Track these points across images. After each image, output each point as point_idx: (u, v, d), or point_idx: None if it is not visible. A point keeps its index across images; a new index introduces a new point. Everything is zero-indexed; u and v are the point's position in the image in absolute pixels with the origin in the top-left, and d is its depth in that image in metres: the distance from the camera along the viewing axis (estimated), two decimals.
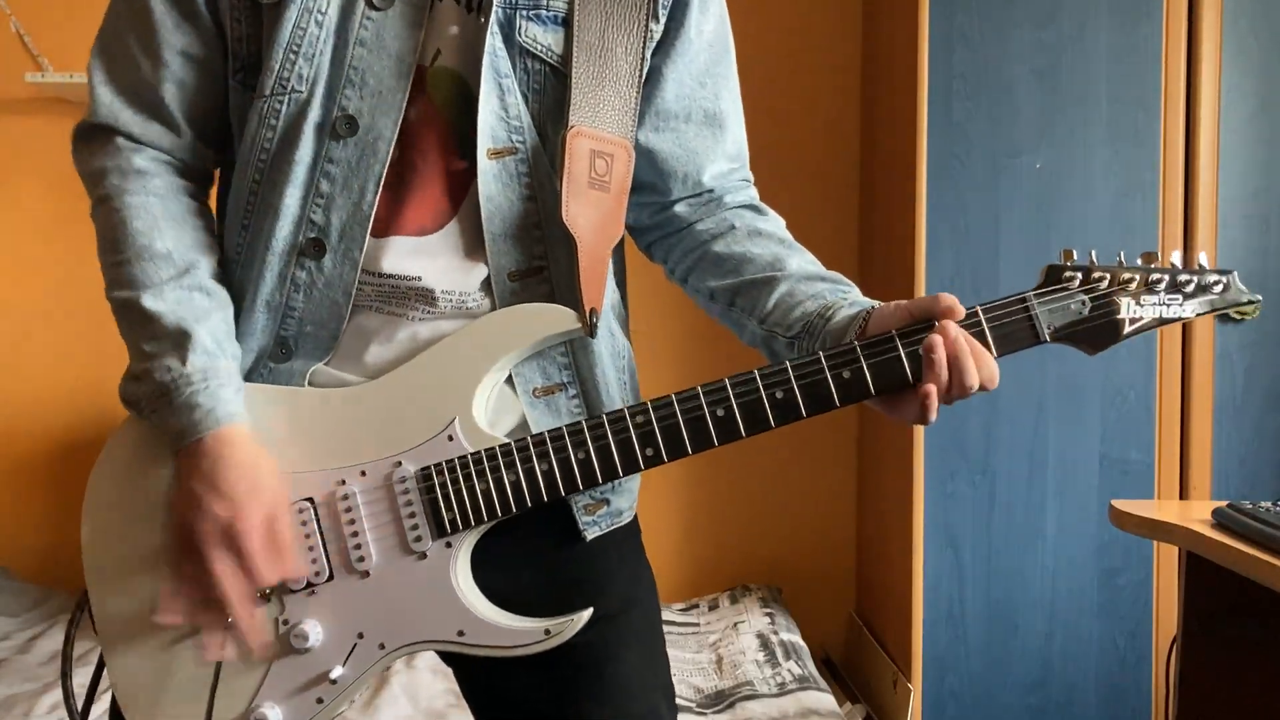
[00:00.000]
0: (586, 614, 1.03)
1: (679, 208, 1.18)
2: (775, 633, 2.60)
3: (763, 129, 3.02)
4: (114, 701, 1.06)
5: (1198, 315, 1.02)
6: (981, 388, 0.99)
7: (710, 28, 1.14)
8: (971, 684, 2.48)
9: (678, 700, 2.24)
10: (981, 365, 0.98)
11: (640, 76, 1.09)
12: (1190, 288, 1.02)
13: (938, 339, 0.97)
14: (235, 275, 1.05)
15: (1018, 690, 2.48)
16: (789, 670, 2.37)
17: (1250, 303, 1.03)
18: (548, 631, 1.02)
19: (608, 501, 1.12)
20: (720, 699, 2.29)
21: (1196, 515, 1.63)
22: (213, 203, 1.13)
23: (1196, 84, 2.40)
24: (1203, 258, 1.03)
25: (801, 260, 1.12)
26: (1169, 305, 1.02)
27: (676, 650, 2.57)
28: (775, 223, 1.18)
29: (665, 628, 2.88)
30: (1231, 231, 2.42)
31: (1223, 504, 1.57)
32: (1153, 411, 2.44)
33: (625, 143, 1.08)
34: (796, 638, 2.60)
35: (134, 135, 1.04)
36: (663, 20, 1.10)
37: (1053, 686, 2.47)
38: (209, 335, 1.00)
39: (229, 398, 0.99)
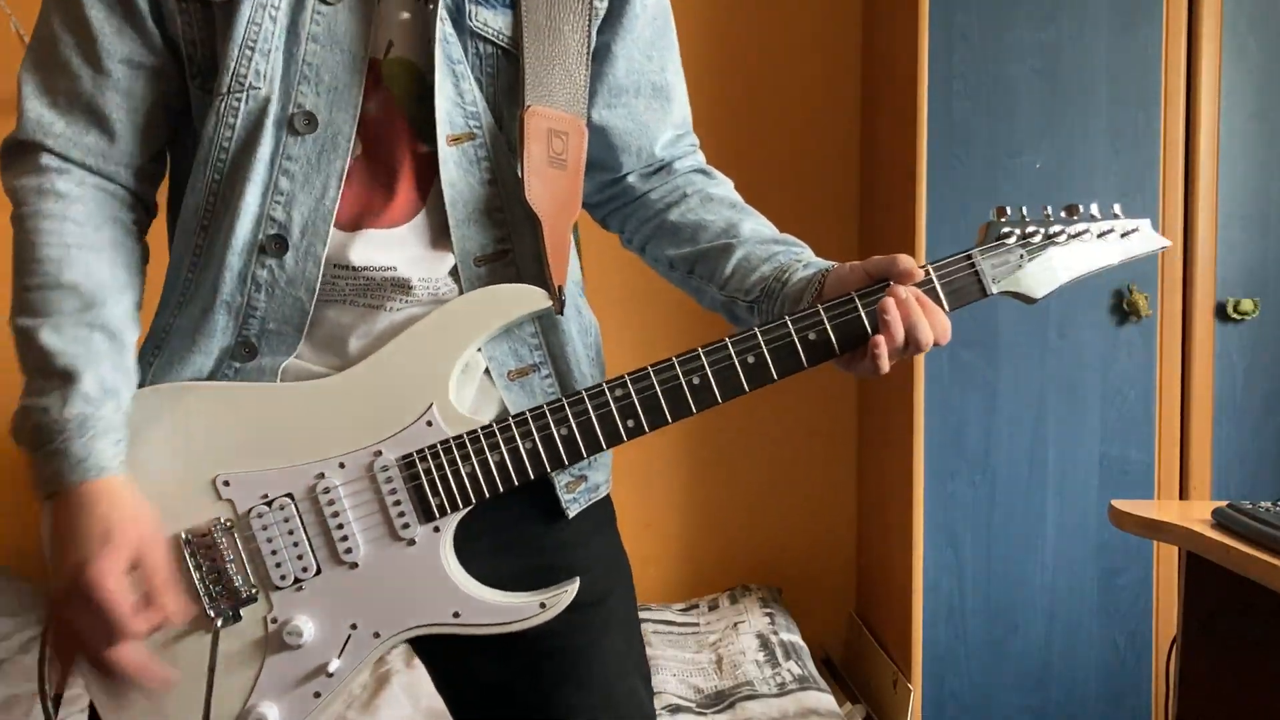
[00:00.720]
0: (576, 584, 1.04)
1: (631, 179, 1.20)
2: (775, 633, 2.60)
3: (763, 129, 3.04)
4: (91, 709, 1.04)
5: (1120, 262, 1.10)
6: (935, 343, 1.02)
7: (652, 1, 1.16)
8: (971, 684, 2.48)
9: (678, 701, 2.25)
10: (934, 322, 1.02)
11: (588, 54, 1.10)
12: (1110, 237, 1.09)
13: (890, 301, 1.01)
14: (193, 278, 1.04)
15: (1018, 690, 2.48)
16: (789, 670, 2.37)
17: (1162, 247, 1.11)
18: (543, 605, 1.03)
19: (585, 477, 1.13)
20: (720, 699, 2.29)
21: (1196, 515, 1.62)
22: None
23: (1196, 84, 2.40)
24: (1116, 207, 1.11)
25: (755, 224, 1.15)
26: (1094, 254, 1.09)
27: (676, 650, 2.57)
28: (725, 186, 1.21)
29: (665, 628, 2.89)
30: (1231, 231, 2.42)
31: (1223, 504, 1.57)
32: (1153, 411, 2.44)
33: (579, 121, 1.09)
34: (796, 638, 2.60)
35: (64, 153, 1.01)
36: None
37: (1053, 686, 2.48)
38: (95, 381, 0.97)
39: (103, 449, 0.96)
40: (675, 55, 1.20)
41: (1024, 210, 1.09)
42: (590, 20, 1.10)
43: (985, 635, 2.48)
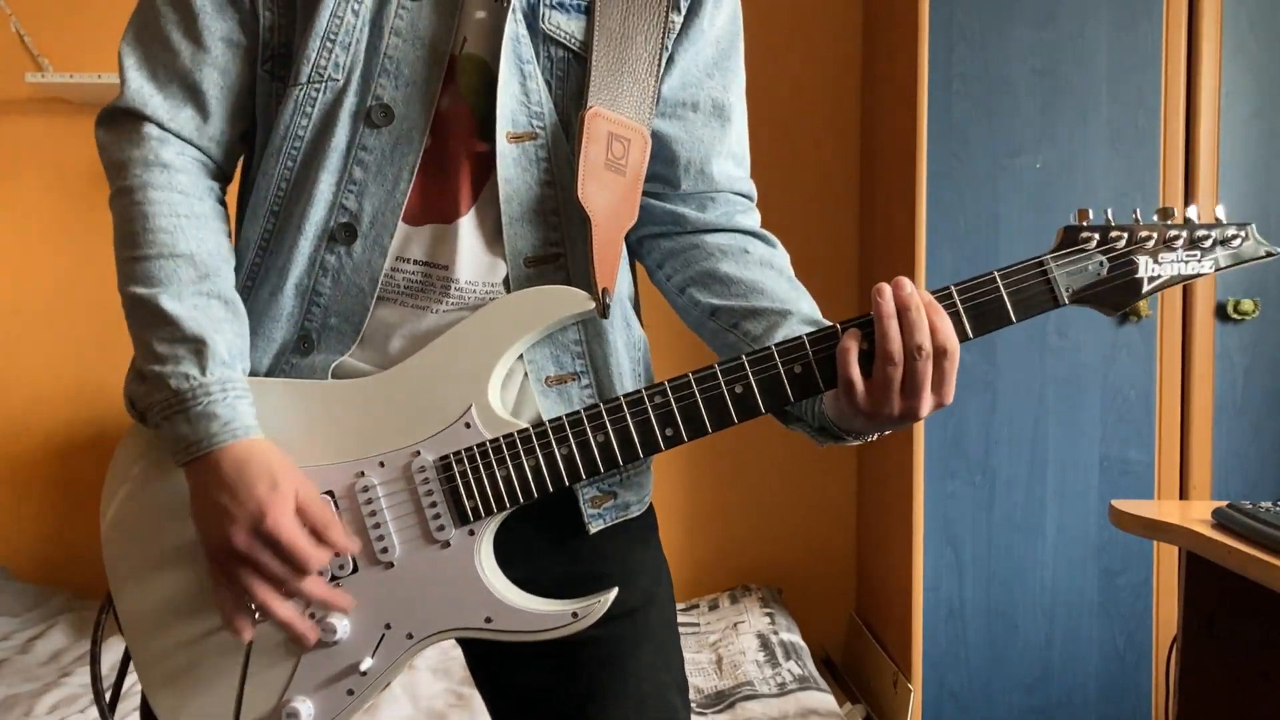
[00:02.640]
0: (612, 594, 1.03)
1: (686, 207, 1.16)
2: (775, 633, 2.60)
3: (763, 129, 3.03)
4: (144, 699, 1.06)
5: (1216, 270, 1.00)
6: (939, 350, 0.96)
7: (721, 22, 1.15)
8: (971, 684, 2.48)
9: None
10: (936, 321, 0.96)
11: (660, 65, 1.10)
12: (1208, 243, 1.00)
13: (883, 285, 0.97)
14: (261, 262, 1.05)
15: (1018, 690, 2.48)
16: (789, 670, 2.37)
17: (1269, 255, 1.01)
18: (575, 614, 1.02)
19: (615, 494, 1.11)
20: (720, 699, 2.29)
21: (1196, 515, 1.62)
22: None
23: (1196, 84, 2.40)
24: (1220, 211, 1.00)
25: (810, 306, 1.11)
26: (1187, 262, 1.00)
27: None
28: (784, 259, 1.17)
29: None
30: None
31: (1223, 504, 1.57)
32: (1153, 411, 2.44)
33: (642, 129, 1.08)
34: (796, 638, 2.60)
35: (163, 123, 1.03)
36: (683, 11, 1.11)
37: (1053, 686, 2.47)
38: (225, 346, 0.99)
39: (246, 410, 0.99)
40: (740, 82, 1.18)
41: (1109, 214, 1.01)
42: (665, 32, 1.09)
43: (985, 635, 2.48)
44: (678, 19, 1.11)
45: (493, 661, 1.12)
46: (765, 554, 3.09)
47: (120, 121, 1.05)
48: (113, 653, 1.11)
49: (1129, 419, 2.44)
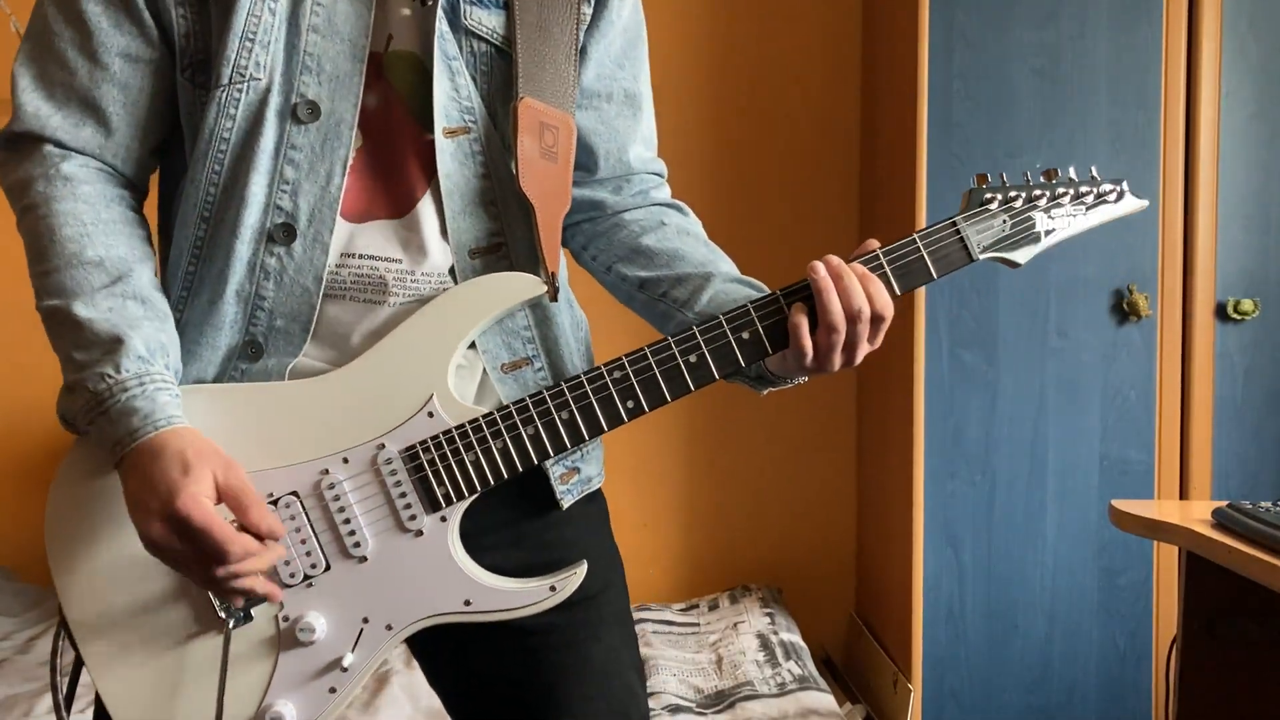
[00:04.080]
0: (584, 566, 1.06)
1: (604, 193, 1.20)
2: (775, 633, 2.60)
3: (763, 129, 3.04)
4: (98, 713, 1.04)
5: (1101, 223, 1.12)
6: (876, 316, 1.04)
7: (626, 13, 1.18)
8: (971, 684, 2.48)
9: (677, 701, 2.25)
10: (870, 290, 1.03)
11: (576, 55, 1.13)
12: (1090, 198, 1.11)
13: (817, 263, 1.04)
14: (195, 271, 1.04)
15: (1018, 690, 2.48)
16: (789, 670, 2.37)
17: (1140, 207, 1.13)
18: (553, 588, 1.04)
19: (578, 469, 1.14)
20: (720, 699, 2.29)
21: (1196, 515, 1.62)
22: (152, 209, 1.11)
23: (1196, 84, 2.40)
24: (1094, 170, 1.13)
25: (728, 264, 1.18)
26: (1075, 216, 1.11)
27: (676, 650, 2.57)
28: (697, 224, 1.23)
29: (665, 628, 2.89)
30: (1231, 232, 2.42)
31: (1223, 504, 1.57)
32: (1153, 411, 2.44)
33: (568, 117, 1.11)
34: (796, 638, 2.60)
35: (63, 142, 1.01)
36: (593, 2, 1.14)
37: (1053, 686, 2.48)
38: (142, 342, 0.97)
39: (167, 401, 0.97)
40: (646, 71, 1.22)
41: (1004, 176, 1.11)
42: (578, 24, 1.13)
43: (985, 635, 2.48)
44: (588, 10, 1.14)
45: (451, 659, 1.12)
46: (765, 554, 3.09)
47: (18, 145, 1.03)
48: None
49: (1129, 419, 2.44)
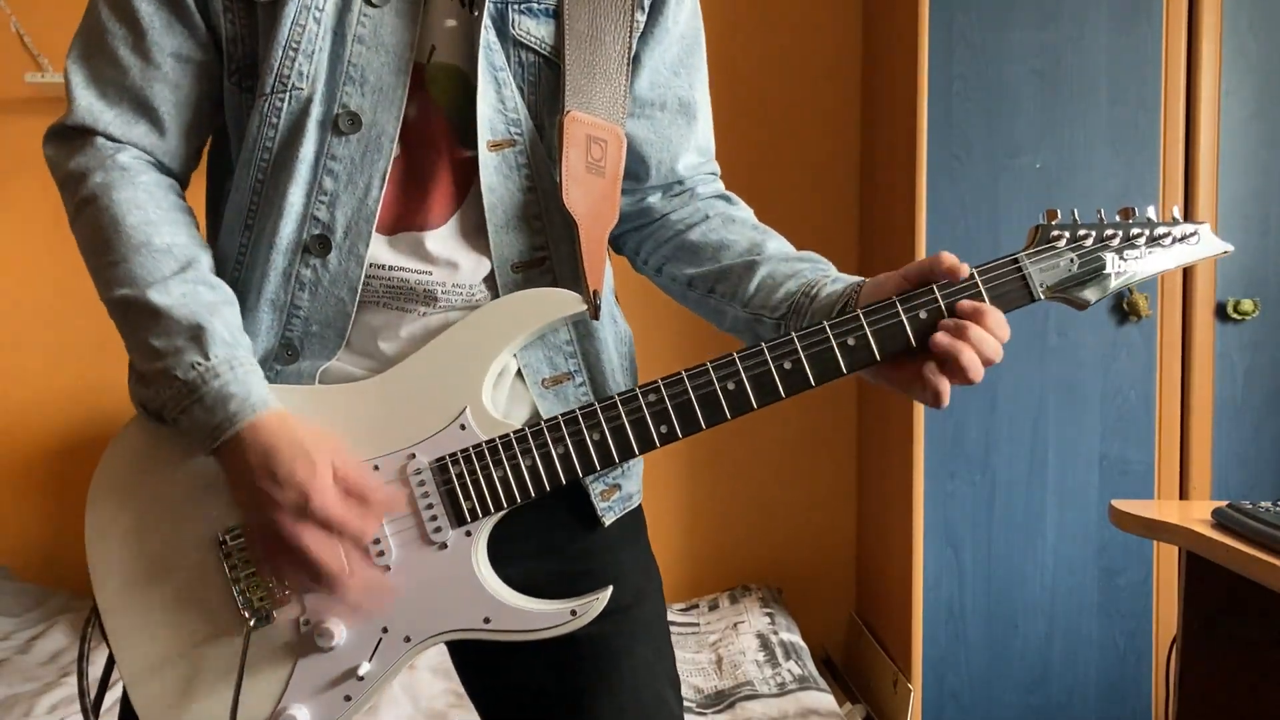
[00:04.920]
0: (608, 592, 1.03)
1: (653, 199, 1.19)
2: (775, 633, 2.60)
3: (763, 129, 3.04)
4: (124, 705, 1.05)
5: (1178, 266, 1.06)
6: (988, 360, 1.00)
7: (684, 19, 1.16)
8: (971, 684, 2.48)
9: None
10: (992, 327, 0.99)
11: (628, 65, 1.10)
12: (1167, 240, 1.05)
13: (939, 335, 0.99)
14: (239, 277, 1.04)
15: (1018, 690, 2.48)
16: (789, 670, 2.37)
17: (1224, 252, 1.07)
18: (574, 612, 1.02)
19: (619, 486, 1.13)
20: (720, 699, 2.29)
21: (1196, 515, 1.62)
22: (198, 205, 1.11)
23: (1196, 84, 2.40)
24: (1176, 210, 1.07)
25: (779, 243, 1.14)
26: (1148, 258, 1.05)
27: (676, 650, 2.56)
28: (746, 210, 1.20)
29: None
30: (1231, 232, 2.41)
31: (1223, 504, 1.57)
32: (1153, 411, 2.44)
33: (617, 129, 1.09)
34: (796, 638, 2.60)
35: (115, 135, 1.02)
36: (647, 9, 1.12)
37: (1053, 686, 2.48)
38: (224, 326, 0.98)
39: (259, 384, 0.97)
40: (704, 78, 1.20)
41: (1075, 213, 1.05)
42: (631, 32, 1.10)
43: (985, 635, 2.48)
44: (641, 18, 1.12)
45: (483, 664, 1.12)
46: (765, 554, 3.09)
47: (71, 138, 1.03)
48: (98, 661, 1.10)
49: (1129, 419, 2.44)
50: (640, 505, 1.18)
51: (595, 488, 1.10)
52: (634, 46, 1.11)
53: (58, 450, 3.04)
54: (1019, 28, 2.41)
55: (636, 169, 1.17)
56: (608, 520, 1.11)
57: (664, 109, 1.16)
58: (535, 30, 1.05)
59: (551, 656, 1.07)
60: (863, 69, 3.01)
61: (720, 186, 1.23)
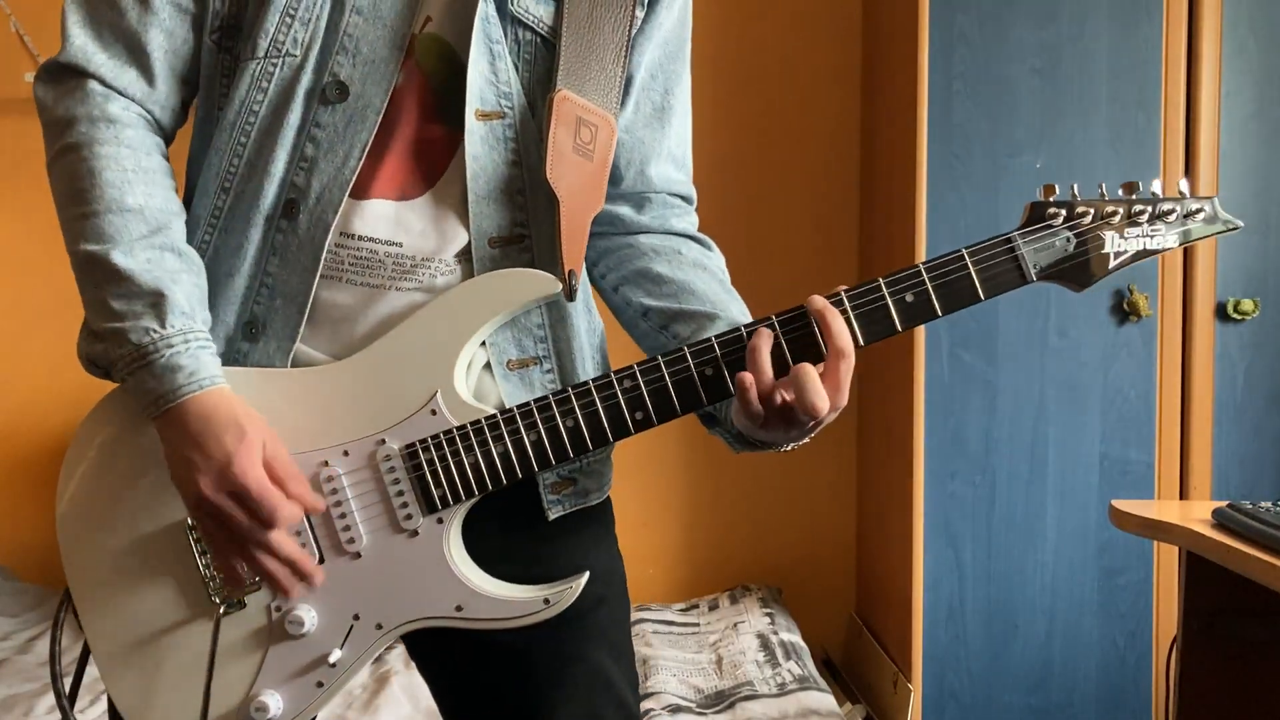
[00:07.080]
0: (583, 579, 1.02)
1: (624, 209, 1.16)
2: (775, 633, 2.60)
3: (763, 129, 3.04)
4: (109, 699, 1.05)
5: (1181, 244, 1.01)
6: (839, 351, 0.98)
7: (668, 25, 1.15)
8: (971, 684, 2.48)
9: (678, 701, 2.25)
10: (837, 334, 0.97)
11: (624, 56, 1.10)
12: (1173, 216, 1.00)
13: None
14: (210, 240, 1.03)
15: (1018, 690, 2.48)
16: (789, 670, 2.37)
17: (1232, 227, 1.01)
18: (547, 600, 1.01)
19: (574, 481, 1.10)
20: (720, 699, 2.29)
21: (1196, 515, 1.62)
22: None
23: (1196, 84, 2.40)
24: (1183, 184, 1.00)
25: (741, 310, 1.12)
26: (1152, 236, 1.00)
27: (676, 650, 2.57)
28: (718, 261, 1.19)
29: (665, 628, 2.89)
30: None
31: (1223, 504, 1.57)
32: (1153, 411, 2.44)
33: (609, 117, 1.08)
34: (796, 638, 2.60)
35: (106, 80, 1.01)
36: (645, 5, 1.12)
37: (1053, 686, 2.47)
38: (184, 297, 0.97)
39: (209, 360, 0.97)
40: (684, 87, 1.19)
41: (1074, 189, 1.00)
42: (630, 24, 1.10)
43: (985, 635, 2.48)
44: (640, 13, 1.11)
45: (442, 658, 1.12)
46: (765, 554, 3.09)
47: (62, 78, 1.02)
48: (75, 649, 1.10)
49: (1129, 419, 2.44)
50: (604, 504, 1.15)
51: (545, 479, 1.07)
52: (631, 39, 1.11)
53: (58, 451, 3.03)
54: (1019, 27, 2.41)
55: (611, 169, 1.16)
56: (553, 514, 1.08)
57: (637, 109, 1.15)
58: (535, 10, 1.05)
59: (511, 656, 1.07)
60: (863, 68, 3.01)
61: (694, 222, 1.20)
